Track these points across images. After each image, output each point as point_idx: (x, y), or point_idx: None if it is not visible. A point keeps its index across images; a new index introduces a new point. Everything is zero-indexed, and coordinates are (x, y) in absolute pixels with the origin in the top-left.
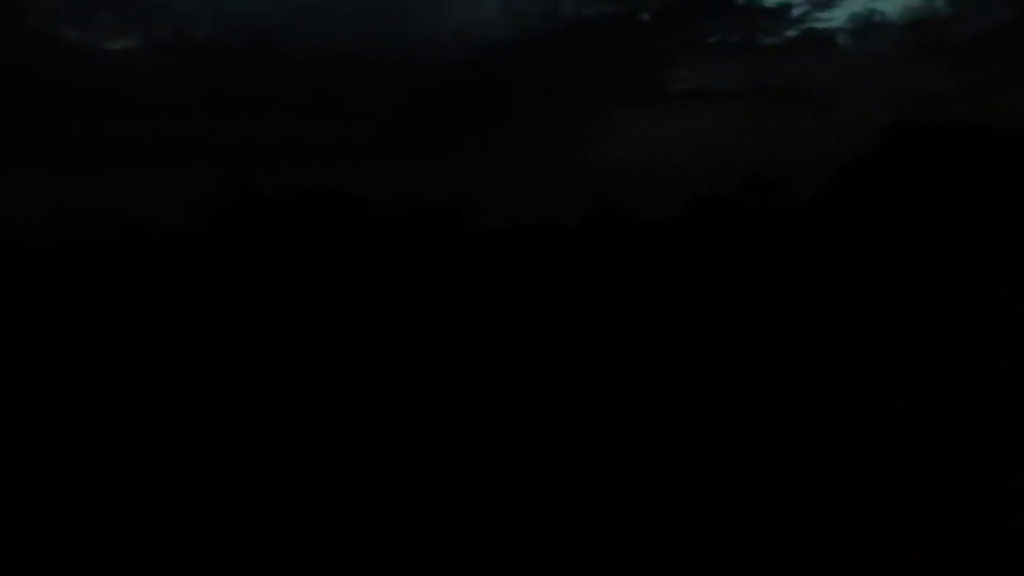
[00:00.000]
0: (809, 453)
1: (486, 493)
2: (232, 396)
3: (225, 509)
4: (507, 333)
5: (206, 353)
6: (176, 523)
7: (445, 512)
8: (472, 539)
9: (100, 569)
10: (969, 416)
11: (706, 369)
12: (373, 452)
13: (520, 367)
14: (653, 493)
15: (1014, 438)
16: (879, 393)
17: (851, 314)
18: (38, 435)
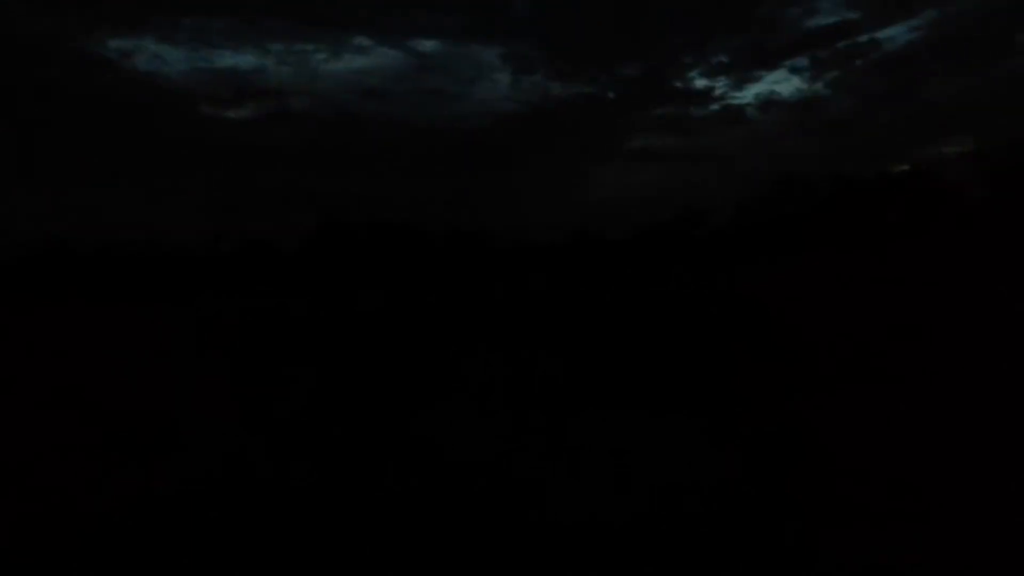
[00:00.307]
0: (809, 453)
1: (486, 493)
2: (234, 397)
3: (228, 508)
4: (508, 335)
5: (210, 355)
6: (179, 522)
7: (446, 512)
8: (472, 539)
9: (102, 569)
10: (966, 417)
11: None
12: (373, 452)
13: (521, 369)
14: (653, 493)
15: (1012, 438)
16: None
17: (755, 321)
18: (45, 435)
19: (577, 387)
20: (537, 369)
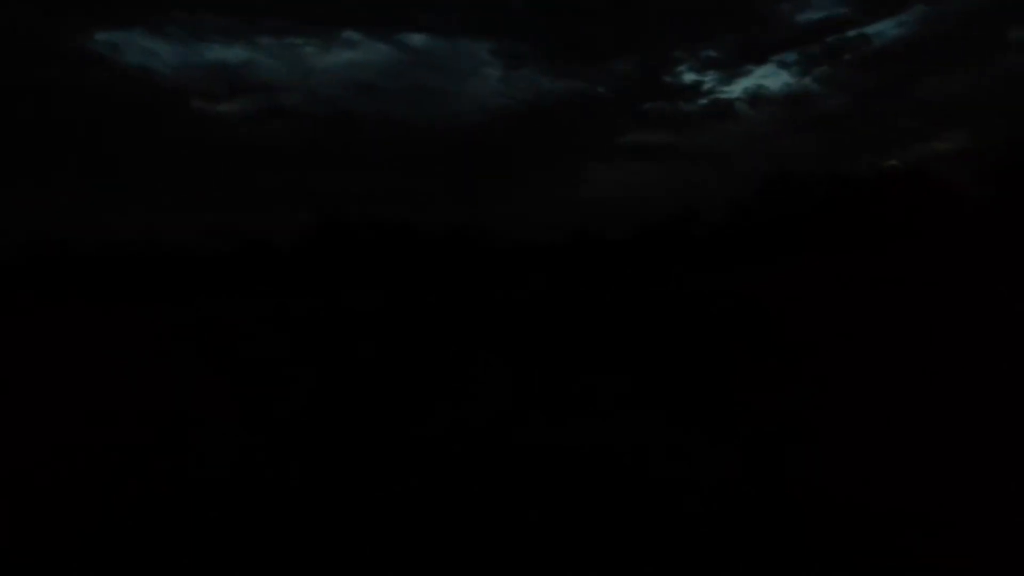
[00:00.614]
0: (808, 453)
1: (486, 492)
2: (234, 397)
3: (228, 509)
4: (506, 334)
5: (207, 355)
6: (178, 523)
7: (446, 512)
8: (473, 538)
9: (102, 569)
10: (966, 416)
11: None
12: (373, 453)
13: (519, 367)
14: (653, 493)
15: (1012, 438)
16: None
17: (753, 320)
18: (43, 435)
19: (575, 386)
20: (536, 368)
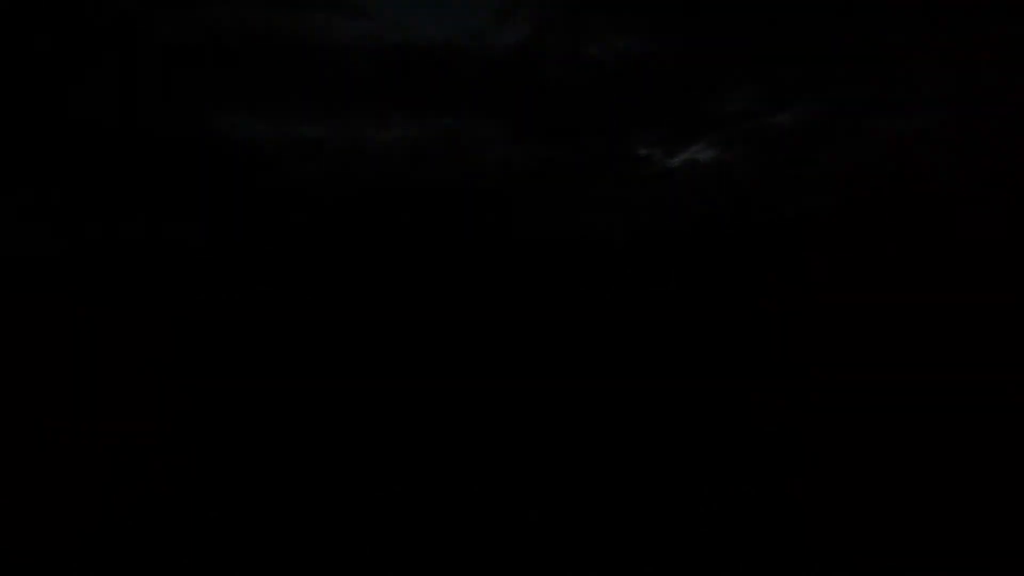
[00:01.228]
0: (808, 453)
1: (484, 494)
2: (233, 399)
3: (225, 513)
4: (507, 334)
5: (208, 357)
6: (175, 526)
7: (448, 514)
8: (473, 539)
9: (102, 570)
10: (967, 417)
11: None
12: (371, 456)
13: (519, 367)
14: (653, 493)
15: (1011, 439)
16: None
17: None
18: (41, 436)
19: (575, 387)
20: (535, 369)
